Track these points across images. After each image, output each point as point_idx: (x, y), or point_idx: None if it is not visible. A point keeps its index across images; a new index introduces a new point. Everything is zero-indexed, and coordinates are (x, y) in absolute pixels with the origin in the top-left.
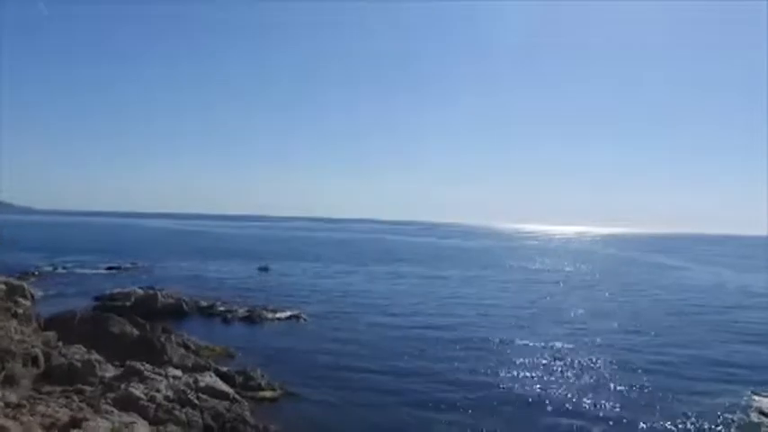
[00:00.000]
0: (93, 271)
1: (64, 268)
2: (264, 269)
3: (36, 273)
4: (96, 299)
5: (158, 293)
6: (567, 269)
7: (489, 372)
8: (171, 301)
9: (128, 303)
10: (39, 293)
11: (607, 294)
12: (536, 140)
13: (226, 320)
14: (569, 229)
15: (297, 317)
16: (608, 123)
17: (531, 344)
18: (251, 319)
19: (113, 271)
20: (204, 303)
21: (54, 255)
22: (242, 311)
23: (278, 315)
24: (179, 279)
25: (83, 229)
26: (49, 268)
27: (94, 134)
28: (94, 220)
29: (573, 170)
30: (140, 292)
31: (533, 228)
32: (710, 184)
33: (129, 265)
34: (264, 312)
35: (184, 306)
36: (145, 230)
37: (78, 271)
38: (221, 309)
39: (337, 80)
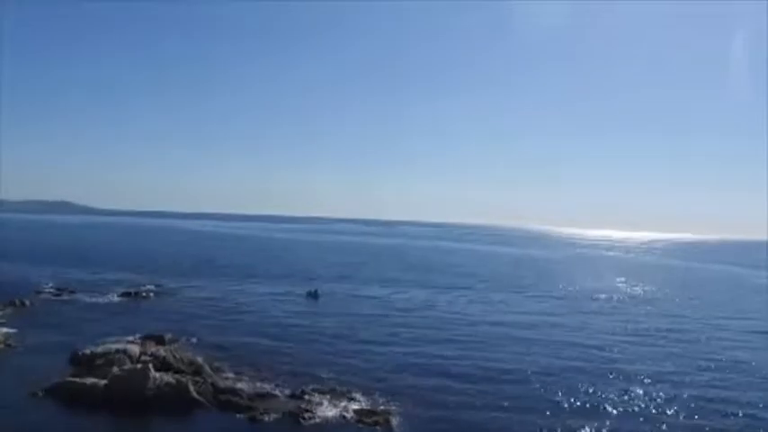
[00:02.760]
0: (103, 299)
1: (70, 292)
2: (314, 295)
3: (26, 302)
4: (72, 360)
5: (150, 370)
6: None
7: None
8: (170, 380)
9: (101, 384)
10: (9, 340)
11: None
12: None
13: (254, 420)
14: (612, 234)
15: (373, 415)
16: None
17: None
18: (295, 417)
19: (127, 299)
20: (224, 382)
21: (75, 267)
22: (282, 398)
23: (341, 406)
24: (204, 313)
25: (122, 233)
26: (51, 291)
27: (153, 134)
28: (141, 221)
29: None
30: (134, 349)
31: (574, 231)
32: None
33: (149, 288)
34: (316, 401)
35: (191, 391)
36: (187, 235)
37: (84, 299)
38: (249, 393)
39: (384, 83)
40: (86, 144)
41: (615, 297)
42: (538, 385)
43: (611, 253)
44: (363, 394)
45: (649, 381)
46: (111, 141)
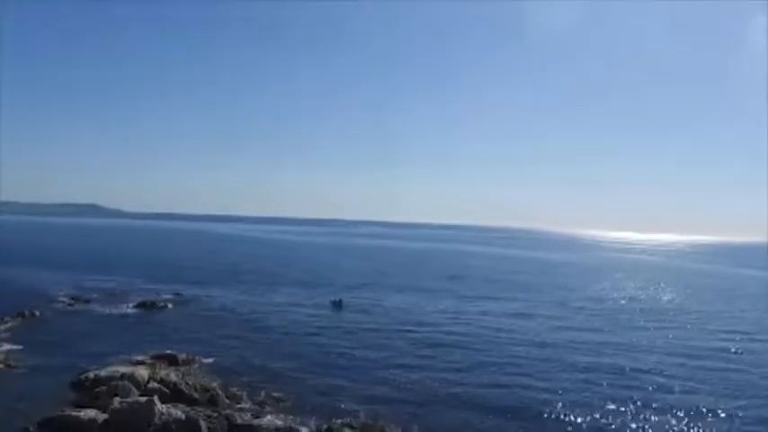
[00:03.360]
0: (118, 310)
1: (85, 302)
2: (338, 304)
3: (36, 313)
4: (74, 385)
5: (155, 404)
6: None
7: None
8: (179, 416)
9: (101, 418)
10: (10, 359)
11: None
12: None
13: None
14: (632, 236)
15: None
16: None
17: None
18: None
19: (143, 310)
20: (241, 416)
21: (93, 273)
22: None
23: None
24: (223, 326)
25: (147, 237)
26: (65, 300)
27: (184, 134)
28: (168, 224)
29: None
30: (142, 373)
31: (594, 233)
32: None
33: (167, 298)
34: None
35: (203, 429)
36: (213, 239)
37: (97, 309)
38: (269, 431)
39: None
40: (115, 146)
41: (665, 309)
42: (596, 419)
43: (646, 257)
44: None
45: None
46: (140, 143)
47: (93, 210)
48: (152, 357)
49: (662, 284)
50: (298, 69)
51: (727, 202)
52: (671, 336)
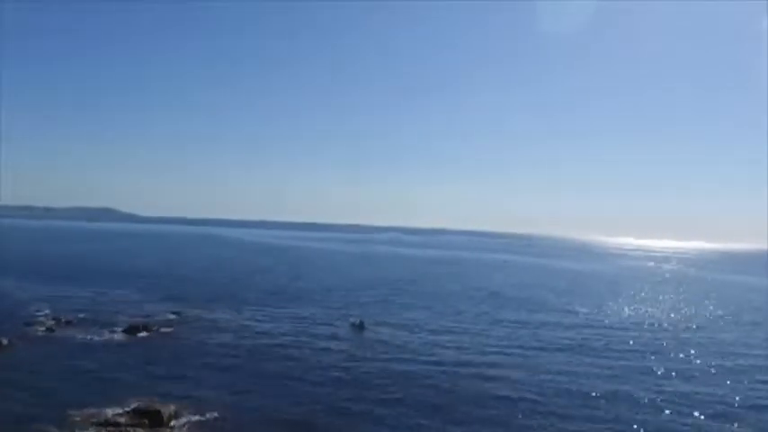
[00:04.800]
0: (102, 337)
1: (68, 323)
2: (359, 327)
3: (4, 341)
4: None
5: None
6: None
7: None
8: None
9: None
10: None
11: None
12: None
13: None
14: (632, 242)
15: None
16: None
17: None
18: None
19: (131, 336)
20: None
21: (86, 285)
22: None
23: None
24: (225, 360)
25: (155, 243)
26: (44, 321)
27: (201, 138)
28: (180, 229)
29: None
30: None
31: (597, 239)
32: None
33: (163, 319)
34: None
35: None
36: (224, 245)
37: (78, 336)
38: None
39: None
40: (130, 150)
41: (706, 325)
42: None
43: (666, 266)
44: None
45: None
46: (155, 148)
47: (109, 214)
48: (131, 413)
49: (708, 297)
50: (309, 71)
51: (724, 208)
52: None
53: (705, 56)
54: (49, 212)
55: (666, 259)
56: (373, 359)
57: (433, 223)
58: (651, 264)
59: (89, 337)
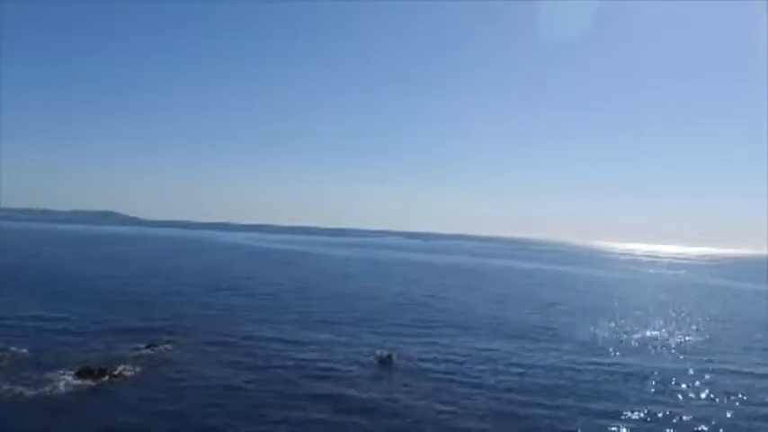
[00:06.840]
0: (44, 387)
1: (6, 363)
2: (386, 362)
3: None
4: None
5: None
6: None
7: None
8: None
9: None
10: None
11: None
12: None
13: None
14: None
15: None
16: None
17: None
18: None
19: (87, 384)
20: None
21: (53, 301)
22: None
23: None
24: (207, 419)
25: (150, 249)
26: None
27: (203, 139)
28: (182, 233)
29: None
30: None
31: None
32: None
33: (131, 355)
34: None
35: None
36: (226, 250)
37: (15, 388)
38: None
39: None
40: (133, 154)
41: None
42: None
43: (682, 272)
44: None
45: None
46: (158, 151)
47: (109, 217)
48: None
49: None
50: (311, 75)
51: (723, 212)
52: None
53: (706, 56)
54: (45, 215)
55: (684, 266)
56: (403, 416)
57: (428, 227)
58: (680, 272)
59: (26, 389)
